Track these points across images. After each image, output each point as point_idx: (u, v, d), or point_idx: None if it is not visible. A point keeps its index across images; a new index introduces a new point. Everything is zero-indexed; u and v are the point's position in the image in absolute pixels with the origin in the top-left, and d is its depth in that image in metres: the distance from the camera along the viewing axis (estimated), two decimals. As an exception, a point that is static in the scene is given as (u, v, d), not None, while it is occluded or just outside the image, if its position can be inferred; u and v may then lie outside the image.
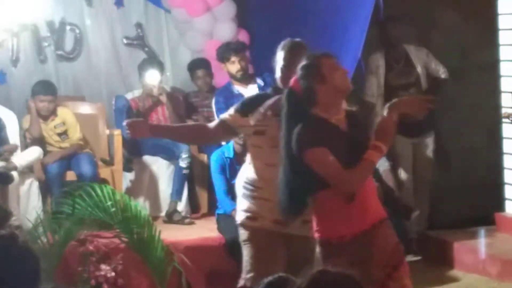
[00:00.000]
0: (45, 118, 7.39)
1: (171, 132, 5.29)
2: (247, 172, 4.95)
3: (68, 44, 8.07)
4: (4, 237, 3.25)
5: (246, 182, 4.91)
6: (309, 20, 7.25)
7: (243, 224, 4.90)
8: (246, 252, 4.89)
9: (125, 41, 8.20)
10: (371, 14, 6.57)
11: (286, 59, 4.83)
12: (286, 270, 4.41)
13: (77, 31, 8.07)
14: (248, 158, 4.97)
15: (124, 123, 4.94)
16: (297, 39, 5.00)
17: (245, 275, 4.87)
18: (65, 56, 8.07)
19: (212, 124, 5.01)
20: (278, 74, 4.87)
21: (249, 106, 4.84)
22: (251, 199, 4.86)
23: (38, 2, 7.75)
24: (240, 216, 4.93)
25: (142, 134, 5.00)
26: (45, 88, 7.39)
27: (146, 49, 8.24)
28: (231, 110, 4.90)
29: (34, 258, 3.23)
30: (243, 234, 4.91)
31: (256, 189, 4.84)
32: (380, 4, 6.47)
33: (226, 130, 4.92)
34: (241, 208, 4.93)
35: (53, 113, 7.41)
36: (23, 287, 3.15)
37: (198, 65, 7.69)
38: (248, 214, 4.86)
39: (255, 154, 4.87)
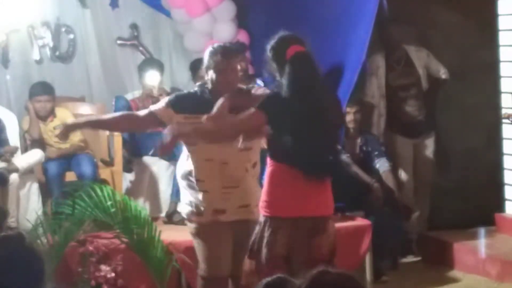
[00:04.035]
0: (44, 119, 7.39)
1: (100, 123, 5.65)
2: (186, 165, 5.18)
3: (64, 45, 8.07)
4: (12, 238, 3.26)
5: (187, 175, 5.16)
6: (311, 20, 7.24)
7: (189, 220, 5.21)
8: (196, 246, 5.21)
9: (119, 41, 8.21)
10: (376, 14, 6.56)
11: (221, 63, 4.99)
12: (233, 254, 5.05)
13: (73, 32, 8.07)
14: (185, 152, 5.21)
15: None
16: (231, 44, 5.30)
17: (200, 267, 5.19)
18: (61, 57, 8.07)
19: (141, 113, 5.28)
20: (211, 76, 5.02)
21: (183, 104, 5.09)
22: (193, 191, 5.12)
23: (34, 3, 7.76)
24: (184, 209, 5.22)
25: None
26: (42, 88, 7.41)
27: (141, 49, 8.25)
28: (163, 104, 5.16)
29: (40, 258, 3.24)
30: (190, 228, 5.22)
31: (197, 182, 5.10)
32: (384, 3, 6.46)
33: (154, 121, 5.18)
34: (185, 201, 5.22)
35: (52, 113, 7.42)
36: (29, 287, 3.17)
37: (200, 65, 7.67)
38: (192, 208, 5.14)
39: (190, 150, 5.10)
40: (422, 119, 7.63)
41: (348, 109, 7.19)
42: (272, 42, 4.74)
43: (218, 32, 7.90)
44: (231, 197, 5.04)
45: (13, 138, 7.34)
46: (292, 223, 4.60)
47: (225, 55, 5.01)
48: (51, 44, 8.02)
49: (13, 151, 7.15)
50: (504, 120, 7.62)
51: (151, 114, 5.17)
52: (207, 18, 7.91)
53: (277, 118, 4.57)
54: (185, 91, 5.32)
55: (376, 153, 7.26)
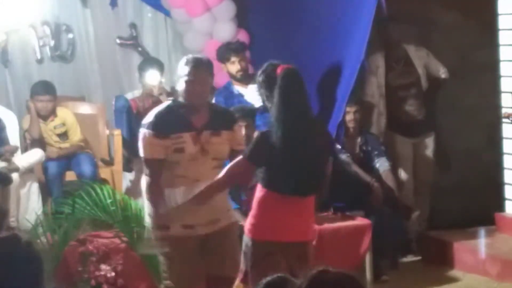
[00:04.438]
0: (45, 118, 7.40)
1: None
2: None
3: (65, 45, 8.08)
4: (7, 240, 3.26)
5: None
6: (310, 20, 7.25)
7: (156, 235, 5.04)
8: (162, 260, 5.04)
9: (118, 41, 8.21)
10: (374, 13, 6.56)
11: (191, 74, 4.91)
12: (204, 270, 4.94)
13: (73, 31, 8.08)
14: None
15: None
16: (201, 56, 5.20)
17: (164, 282, 5.05)
18: (62, 56, 8.07)
19: (148, 180, 5.01)
20: (181, 87, 4.94)
21: (165, 126, 4.88)
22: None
23: (34, 2, 7.76)
24: (151, 223, 5.05)
25: None
26: (44, 88, 7.41)
27: (140, 49, 8.25)
28: (147, 143, 4.88)
29: (37, 259, 3.24)
30: (156, 242, 5.06)
31: (165, 196, 4.92)
32: (382, 2, 6.46)
33: (159, 165, 4.92)
34: (151, 214, 5.02)
35: (53, 113, 7.43)
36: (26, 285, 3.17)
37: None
38: (159, 223, 4.97)
39: (167, 167, 4.90)
40: (422, 118, 7.63)
41: (348, 109, 7.19)
42: (261, 68, 4.82)
43: (218, 32, 7.90)
44: (201, 213, 4.91)
45: (13, 137, 7.34)
46: (284, 247, 4.69)
47: (195, 66, 4.94)
48: (51, 44, 8.02)
49: (13, 151, 7.15)
50: (504, 120, 7.62)
51: (150, 163, 4.96)
52: (207, 17, 7.91)
53: (267, 159, 4.66)
54: (159, 113, 5.01)
55: (376, 152, 7.26)
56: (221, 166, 4.95)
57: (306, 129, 4.65)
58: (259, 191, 4.77)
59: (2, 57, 7.88)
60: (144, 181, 5.18)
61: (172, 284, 4.99)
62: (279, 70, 4.65)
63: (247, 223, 4.82)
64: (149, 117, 4.94)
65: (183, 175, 4.89)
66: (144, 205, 5.26)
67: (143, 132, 4.91)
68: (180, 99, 4.96)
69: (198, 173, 4.90)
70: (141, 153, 4.97)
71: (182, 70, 4.95)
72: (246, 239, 4.79)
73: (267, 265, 4.61)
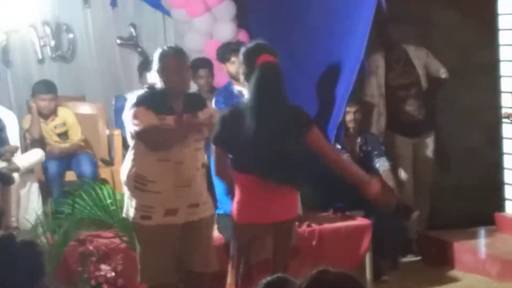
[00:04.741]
0: (46, 117, 7.40)
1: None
2: (135, 168, 5.15)
3: (65, 44, 8.08)
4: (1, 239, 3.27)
5: (135, 177, 5.13)
6: (310, 20, 7.25)
7: (136, 224, 5.19)
8: (139, 251, 5.21)
9: (118, 41, 8.21)
10: (374, 13, 6.56)
11: (174, 63, 5.12)
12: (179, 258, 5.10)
13: (74, 31, 8.08)
14: (132, 155, 5.17)
15: None
16: (178, 46, 5.36)
17: (143, 276, 5.21)
18: (62, 56, 8.07)
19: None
20: (164, 78, 5.11)
21: (153, 105, 5.06)
22: (143, 193, 5.12)
23: (35, 2, 7.76)
24: (132, 213, 5.19)
25: None
26: (46, 87, 7.41)
27: (139, 49, 8.25)
28: (140, 111, 5.04)
29: (35, 254, 3.25)
30: (136, 233, 5.24)
31: (147, 182, 5.10)
32: (382, 2, 6.46)
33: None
34: (132, 204, 5.18)
35: (54, 112, 7.43)
36: (26, 284, 3.18)
37: (202, 65, 7.65)
38: (141, 212, 5.13)
39: (147, 150, 5.09)
40: (422, 118, 7.63)
41: (348, 109, 7.19)
42: (246, 47, 5.03)
43: (218, 32, 7.91)
44: (183, 196, 5.10)
45: (13, 137, 7.33)
46: (267, 228, 4.82)
47: (177, 55, 5.14)
48: (52, 44, 8.02)
49: (13, 151, 7.15)
50: (504, 120, 7.62)
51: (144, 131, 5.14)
52: (207, 18, 7.91)
53: (233, 142, 4.84)
54: (146, 91, 5.28)
55: (376, 152, 7.26)
56: (203, 148, 5.21)
57: (276, 118, 4.77)
58: (236, 175, 4.94)
59: (3, 57, 7.88)
60: (124, 170, 5.27)
61: (152, 278, 5.14)
62: (259, 61, 4.80)
63: (232, 207, 4.98)
64: (135, 99, 5.14)
65: (166, 159, 5.05)
66: (125, 198, 5.32)
67: (133, 110, 5.05)
68: (158, 86, 5.16)
69: (181, 155, 5.09)
70: (135, 127, 5.05)
71: (161, 61, 5.13)
72: (232, 223, 4.93)
73: (251, 248, 4.72)
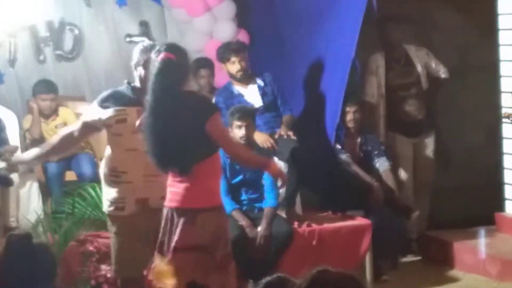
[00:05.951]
0: (47, 117, 7.40)
1: (44, 155, 5.78)
2: (108, 162, 5.32)
3: (67, 44, 8.07)
4: (19, 237, 3.28)
5: (109, 171, 5.29)
6: (307, 20, 7.25)
7: (110, 216, 5.32)
8: (113, 243, 5.33)
9: (127, 39, 8.19)
10: (366, 14, 6.55)
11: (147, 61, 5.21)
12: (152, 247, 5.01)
13: (76, 31, 8.07)
14: (107, 149, 5.35)
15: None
16: (153, 43, 5.55)
17: (112, 267, 5.40)
18: (64, 56, 8.07)
19: (74, 129, 5.47)
20: (140, 73, 5.28)
21: (109, 100, 5.31)
22: (116, 185, 5.25)
23: (37, 2, 7.75)
24: (107, 206, 5.32)
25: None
26: (47, 86, 7.41)
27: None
28: (92, 109, 5.37)
29: (50, 255, 3.27)
30: (111, 226, 5.34)
31: (120, 174, 5.24)
32: (374, 3, 6.46)
33: (89, 130, 5.45)
34: (107, 197, 5.32)
35: (55, 112, 7.43)
36: (40, 284, 3.20)
37: (202, 64, 7.64)
38: (115, 204, 5.26)
39: (115, 142, 5.27)
40: (422, 118, 7.63)
41: (347, 109, 7.19)
42: (156, 45, 5.18)
43: (218, 32, 7.90)
44: (154, 185, 5.15)
45: (13, 137, 7.33)
46: (172, 212, 4.91)
47: (156, 51, 5.15)
48: (55, 44, 8.01)
49: (13, 151, 7.14)
50: (504, 120, 7.62)
51: (85, 124, 5.38)
52: (207, 17, 7.91)
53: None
54: (111, 90, 5.49)
55: (376, 152, 7.26)
56: None
57: (170, 111, 4.86)
58: None
59: (3, 56, 7.87)
60: (102, 167, 5.40)
61: (120, 268, 5.25)
62: (159, 58, 4.92)
63: None
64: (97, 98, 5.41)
65: (134, 148, 5.14)
66: (103, 191, 5.41)
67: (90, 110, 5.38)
68: (136, 83, 5.31)
69: None
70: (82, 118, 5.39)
71: (139, 57, 5.28)
72: None
73: (164, 230, 4.89)
